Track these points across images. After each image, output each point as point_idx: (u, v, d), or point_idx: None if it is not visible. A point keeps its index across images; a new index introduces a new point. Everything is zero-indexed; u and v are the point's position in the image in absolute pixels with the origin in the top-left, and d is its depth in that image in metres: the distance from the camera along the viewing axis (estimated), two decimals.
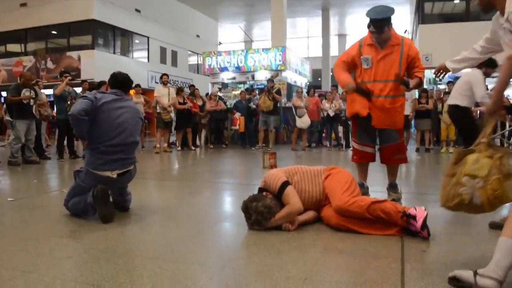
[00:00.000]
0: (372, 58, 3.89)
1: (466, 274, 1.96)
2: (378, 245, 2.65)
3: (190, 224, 3.29)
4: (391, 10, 3.80)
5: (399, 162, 4.13)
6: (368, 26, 3.86)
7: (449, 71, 3.36)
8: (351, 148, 4.60)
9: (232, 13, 26.45)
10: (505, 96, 11.54)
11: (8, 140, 10.16)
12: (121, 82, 3.70)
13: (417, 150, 11.05)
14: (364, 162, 4.16)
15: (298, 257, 2.46)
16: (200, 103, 12.38)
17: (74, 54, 19.27)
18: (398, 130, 4.03)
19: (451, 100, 5.59)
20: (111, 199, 3.42)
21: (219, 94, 14.29)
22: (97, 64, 18.29)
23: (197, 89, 13.23)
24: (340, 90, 12.15)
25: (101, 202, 3.22)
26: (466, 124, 5.52)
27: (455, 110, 5.54)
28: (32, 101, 7.86)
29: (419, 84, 3.97)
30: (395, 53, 3.86)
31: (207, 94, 14.33)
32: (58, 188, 5.35)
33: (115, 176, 3.36)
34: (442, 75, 3.46)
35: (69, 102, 8.39)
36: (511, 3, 2.49)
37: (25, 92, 7.70)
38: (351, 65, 4.04)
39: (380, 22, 3.76)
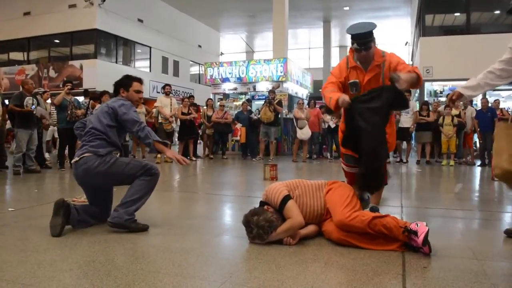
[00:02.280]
0: (359, 80, 3.61)
1: None
2: (379, 261, 2.65)
3: (190, 237, 3.28)
4: (373, 24, 3.54)
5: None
6: (352, 44, 3.56)
7: (465, 98, 3.25)
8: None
9: (233, 24, 26.61)
10: (505, 108, 11.59)
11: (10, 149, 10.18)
12: (114, 87, 3.82)
13: (418, 162, 11.05)
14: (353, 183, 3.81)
15: (299, 272, 2.45)
16: (210, 113, 12.37)
17: (76, 63, 19.35)
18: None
19: None
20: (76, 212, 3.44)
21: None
22: (99, 73, 18.35)
23: (210, 99, 13.29)
24: None
25: (53, 212, 3.28)
26: None
27: None
28: (34, 110, 7.88)
29: (415, 81, 3.42)
30: (379, 74, 3.58)
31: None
32: (58, 199, 5.34)
33: (73, 162, 3.49)
34: (456, 102, 3.32)
35: (69, 112, 8.40)
36: None
37: (28, 101, 7.73)
38: (341, 89, 3.67)
39: (364, 38, 3.48)
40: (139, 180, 3.44)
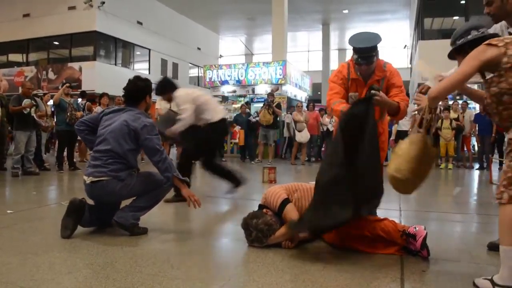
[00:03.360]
0: (359, 96, 3.40)
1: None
2: (378, 264, 2.65)
3: (189, 240, 3.29)
4: (379, 37, 3.33)
5: None
6: (353, 56, 3.36)
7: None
8: None
9: (233, 27, 26.67)
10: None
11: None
12: (126, 96, 3.59)
13: None
14: None
15: (298, 275, 2.46)
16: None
17: (75, 65, 19.37)
18: None
19: None
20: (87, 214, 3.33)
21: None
22: (98, 75, 18.37)
23: None
24: None
25: (67, 212, 3.23)
26: None
27: None
28: (33, 112, 7.88)
29: (393, 109, 3.28)
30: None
31: None
32: (57, 201, 5.34)
33: (88, 182, 3.31)
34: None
35: (68, 114, 8.40)
36: None
37: (25, 103, 7.72)
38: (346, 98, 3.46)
39: (368, 52, 3.27)
40: (155, 190, 3.43)
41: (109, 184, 3.26)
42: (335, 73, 3.58)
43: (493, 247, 3.03)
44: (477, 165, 11.00)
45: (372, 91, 3.11)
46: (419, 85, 7.58)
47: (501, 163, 10.93)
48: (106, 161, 3.28)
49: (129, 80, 3.62)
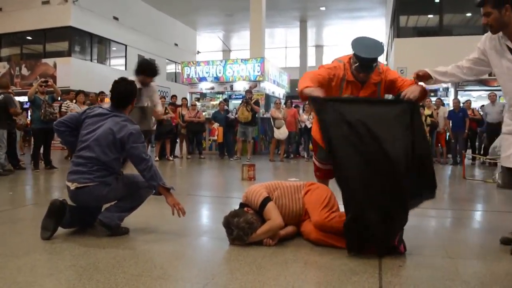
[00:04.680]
0: (354, 95, 3.39)
1: None
2: (357, 260, 2.72)
3: (171, 239, 3.30)
4: (383, 47, 3.38)
5: None
6: (355, 63, 3.31)
7: (430, 79, 3.27)
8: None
9: (210, 23, 26.56)
10: (476, 108, 11.94)
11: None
12: (115, 99, 3.48)
13: None
14: (327, 180, 3.80)
15: (280, 272, 2.51)
16: (185, 112, 12.36)
17: (49, 61, 19.01)
18: None
19: None
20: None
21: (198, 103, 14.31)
22: (73, 71, 18.09)
23: (184, 98, 13.22)
24: None
25: (47, 213, 3.20)
26: None
27: None
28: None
29: (422, 93, 3.17)
30: (375, 92, 3.42)
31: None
32: (34, 201, 5.27)
33: (73, 188, 3.25)
34: (419, 80, 3.42)
35: (43, 111, 8.24)
36: None
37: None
38: (325, 85, 3.33)
39: (372, 61, 3.27)
40: (140, 190, 3.44)
41: (96, 189, 3.23)
42: (328, 68, 3.47)
43: (506, 242, 3.07)
44: (450, 161, 11.28)
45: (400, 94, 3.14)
46: None
47: (473, 159, 11.26)
48: (91, 168, 3.24)
49: (117, 82, 3.51)
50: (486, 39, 3.07)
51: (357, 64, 3.29)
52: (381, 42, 3.37)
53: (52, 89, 9.14)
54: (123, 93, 3.47)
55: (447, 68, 3.26)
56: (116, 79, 3.54)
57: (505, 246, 3.02)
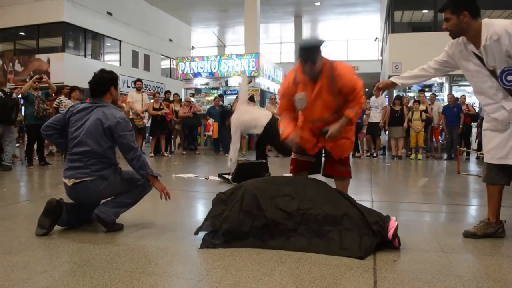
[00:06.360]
0: (308, 94, 3.39)
1: None
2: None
3: (165, 235, 3.29)
4: (320, 41, 3.36)
5: (341, 175, 3.70)
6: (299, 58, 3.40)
7: (394, 87, 3.53)
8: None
9: (205, 18, 26.44)
10: (470, 104, 11.97)
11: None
12: (91, 88, 3.48)
13: (393, 158, 11.19)
14: (301, 172, 3.74)
15: (274, 268, 2.51)
16: (178, 108, 12.34)
17: (43, 56, 18.86)
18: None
19: None
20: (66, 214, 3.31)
21: (193, 99, 14.27)
22: (67, 67, 17.97)
23: (176, 94, 13.19)
24: None
25: (44, 211, 3.20)
26: None
27: None
28: None
29: (344, 125, 3.40)
30: (329, 86, 3.35)
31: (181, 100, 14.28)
32: (28, 197, 5.24)
33: (70, 184, 3.26)
34: (382, 91, 3.70)
35: (36, 107, 8.21)
36: (485, 36, 2.86)
37: None
38: (292, 108, 3.58)
39: (307, 51, 3.31)
40: (137, 188, 3.45)
41: (93, 184, 3.24)
42: (282, 83, 3.71)
43: (468, 235, 3.20)
44: (445, 156, 11.32)
45: (323, 131, 3.40)
46: (389, 76, 7.75)
47: (468, 154, 11.31)
48: (87, 162, 3.24)
49: (94, 73, 3.54)
50: (453, 44, 3.22)
51: (299, 56, 3.37)
52: (322, 40, 3.37)
53: (46, 84, 9.09)
54: (98, 80, 3.47)
55: (413, 72, 3.45)
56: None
57: (490, 239, 3.12)
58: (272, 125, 5.99)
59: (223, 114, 12.39)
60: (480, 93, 3.18)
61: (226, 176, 6.42)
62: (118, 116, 3.33)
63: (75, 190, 3.27)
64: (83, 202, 3.42)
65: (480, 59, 3.02)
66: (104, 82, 3.48)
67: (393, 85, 3.50)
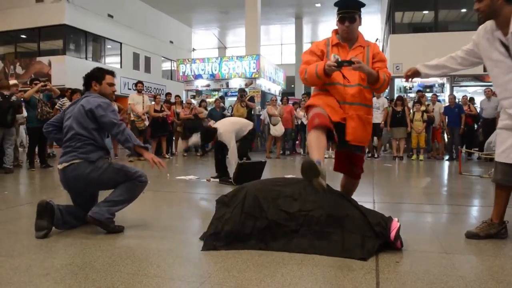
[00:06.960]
0: (342, 58, 3.16)
1: None
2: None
3: (167, 237, 3.29)
4: (362, 3, 3.31)
5: (355, 178, 3.51)
6: (338, 16, 3.29)
7: (420, 75, 3.44)
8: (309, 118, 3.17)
9: (206, 20, 26.45)
10: (473, 104, 11.95)
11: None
12: (84, 80, 3.69)
13: (394, 158, 11.18)
14: (324, 125, 2.92)
15: (276, 270, 2.51)
16: (179, 110, 12.34)
17: (44, 59, 18.87)
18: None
19: None
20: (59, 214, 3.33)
21: (193, 101, 14.27)
22: (68, 69, 17.96)
23: (178, 96, 13.20)
24: None
25: (37, 214, 3.24)
26: None
27: None
28: None
29: (373, 78, 3.17)
30: (363, 54, 3.26)
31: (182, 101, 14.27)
32: (30, 200, 5.24)
33: (60, 168, 3.39)
34: (411, 79, 3.57)
35: (39, 110, 8.22)
36: None
37: None
38: (321, 58, 3.30)
39: (351, 8, 3.23)
40: (129, 183, 3.45)
41: (80, 166, 3.34)
42: (310, 47, 3.46)
43: (471, 236, 3.18)
44: (447, 156, 11.30)
45: (352, 58, 3.04)
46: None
47: (469, 154, 11.29)
48: (75, 145, 3.38)
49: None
50: (480, 31, 3.13)
51: (339, 13, 3.26)
52: (363, 2, 3.29)
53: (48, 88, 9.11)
54: (84, 77, 3.69)
55: (439, 60, 3.36)
56: None
57: (493, 240, 3.11)
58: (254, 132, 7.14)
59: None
60: (499, 86, 3.09)
61: (227, 179, 6.43)
62: (100, 100, 3.49)
63: (65, 173, 3.38)
64: (75, 189, 3.50)
65: (506, 47, 2.92)
66: (86, 78, 3.69)
67: (419, 73, 3.43)
